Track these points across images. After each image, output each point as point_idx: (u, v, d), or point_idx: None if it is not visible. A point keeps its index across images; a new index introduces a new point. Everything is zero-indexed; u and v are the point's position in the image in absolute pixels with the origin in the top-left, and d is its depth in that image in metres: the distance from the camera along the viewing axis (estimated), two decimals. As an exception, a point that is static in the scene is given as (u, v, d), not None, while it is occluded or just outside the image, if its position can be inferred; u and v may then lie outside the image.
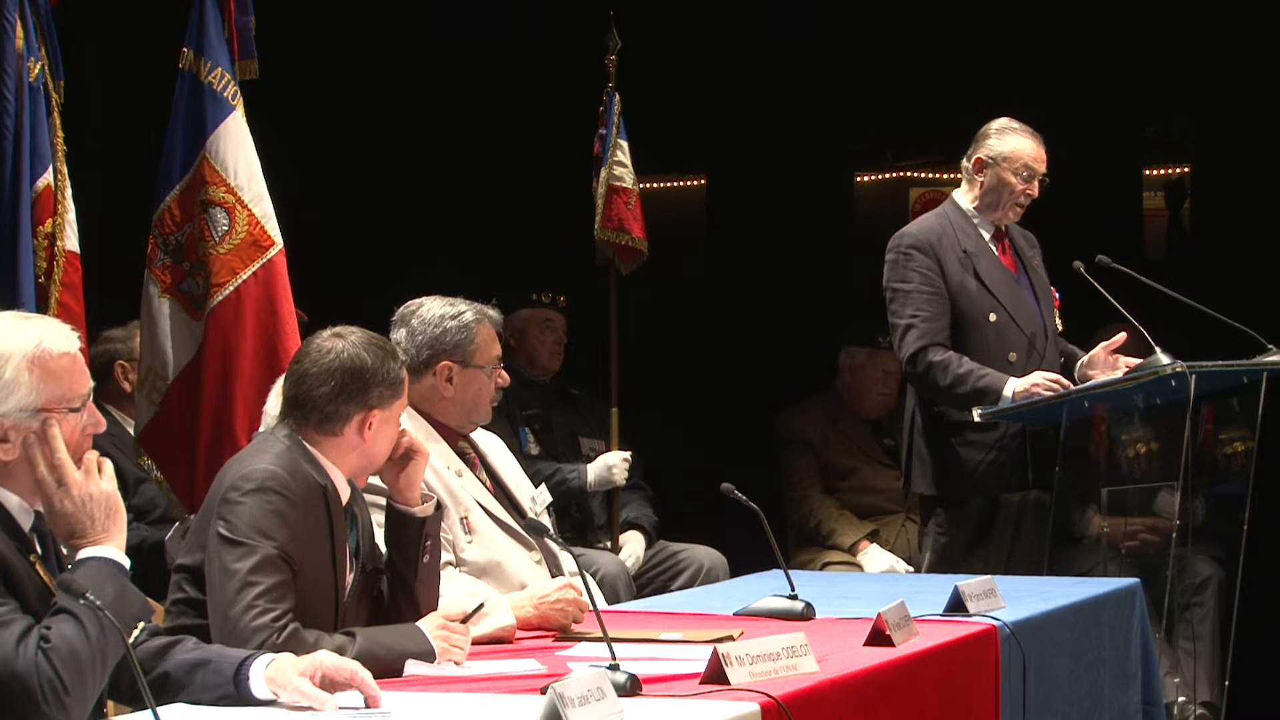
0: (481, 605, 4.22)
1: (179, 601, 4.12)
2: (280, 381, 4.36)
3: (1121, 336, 6.26)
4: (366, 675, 3.49)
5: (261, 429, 4.67)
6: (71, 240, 5.23)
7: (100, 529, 3.39)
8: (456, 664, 3.98)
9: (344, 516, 4.16)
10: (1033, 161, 6.42)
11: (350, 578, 4.16)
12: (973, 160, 6.47)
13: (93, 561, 3.36)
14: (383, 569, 4.31)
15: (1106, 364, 6.29)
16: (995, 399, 6.18)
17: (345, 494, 4.18)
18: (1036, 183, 6.43)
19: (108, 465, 3.46)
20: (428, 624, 4.03)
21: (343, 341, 4.16)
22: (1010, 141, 6.42)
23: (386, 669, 3.83)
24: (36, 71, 5.15)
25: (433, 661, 3.95)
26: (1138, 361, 6.18)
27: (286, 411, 4.18)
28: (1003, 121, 6.48)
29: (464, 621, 4.09)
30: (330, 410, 4.12)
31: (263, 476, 4.00)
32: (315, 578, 4.03)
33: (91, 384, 3.52)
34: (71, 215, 5.24)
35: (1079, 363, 6.40)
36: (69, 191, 5.24)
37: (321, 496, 4.07)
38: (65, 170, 5.23)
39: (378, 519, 4.38)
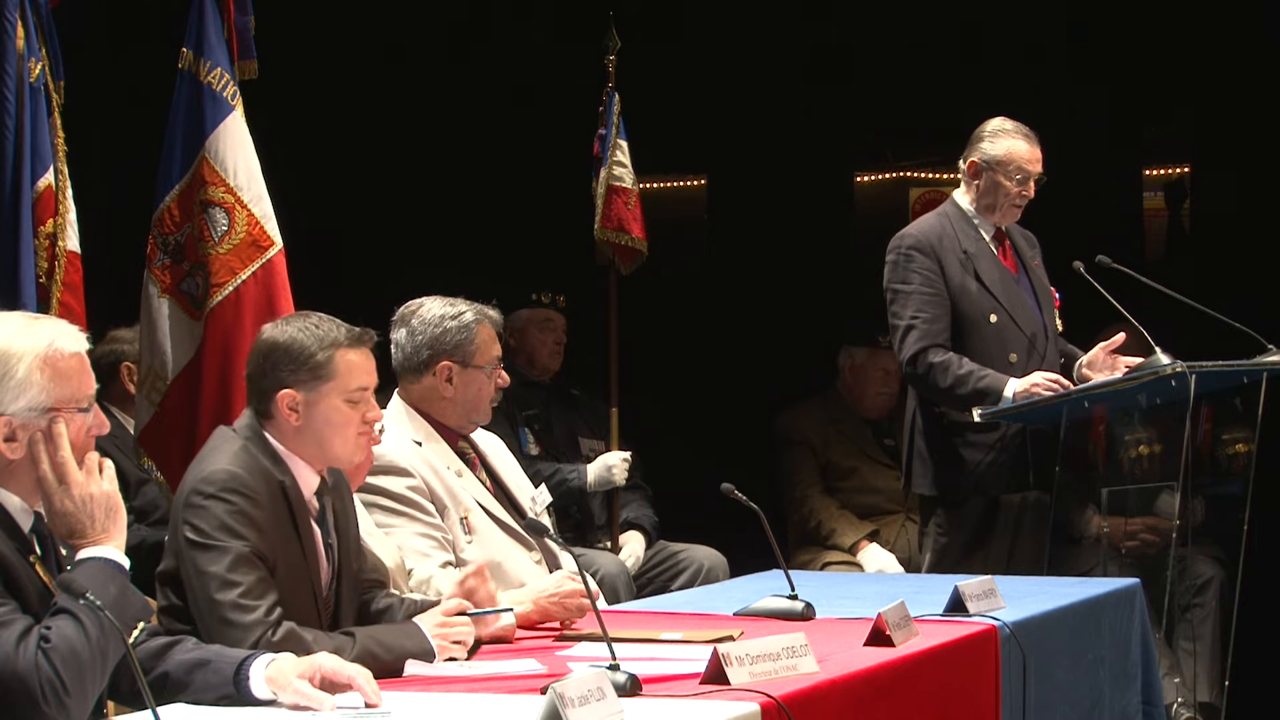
0: (510, 610, 4.21)
1: (166, 610, 4.08)
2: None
3: (1120, 337, 6.26)
4: (366, 680, 3.49)
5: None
6: (72, 240, 5.23)
7: (100, 529, 3.39)
8: (455, 659, 3.97)
9: (317, 510, 4.12)
10: (1026, 164, 6.38)
11: (327, 572, 4.13)
12: (968, 163, 6.46)
13: (93, 561, 3.36)
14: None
15: (1105, 364, 6.28)
16: (995, 399, 6.18)
17: (310, 486, 4.14)
18: (1032, 184, 6.41)
19: (109, 466, 3.46)
20: (427, 622, 4.03)
21: (276, 328, 4.17)
22: (1003, 145, 6.39)
23: (386, 669, 3.83)
24: (37, 72, 5.14)
25: (432, 661, 3.95)
26: (1137, 361, 6.18)
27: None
28: (996, 123, 6.44)
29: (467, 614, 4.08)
30: (254, 390, 4.14)
31: (223, 480, 3.97)
32: (289, 575, 4.01)
33: (96, 385, 3.52)
34: (72, 215, 5.23)
35: (1077, 363, 6.39)
36: (70, 191, 5.23)
37: (281, 493, 4.04)
38: (66, 170, 5.22)
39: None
